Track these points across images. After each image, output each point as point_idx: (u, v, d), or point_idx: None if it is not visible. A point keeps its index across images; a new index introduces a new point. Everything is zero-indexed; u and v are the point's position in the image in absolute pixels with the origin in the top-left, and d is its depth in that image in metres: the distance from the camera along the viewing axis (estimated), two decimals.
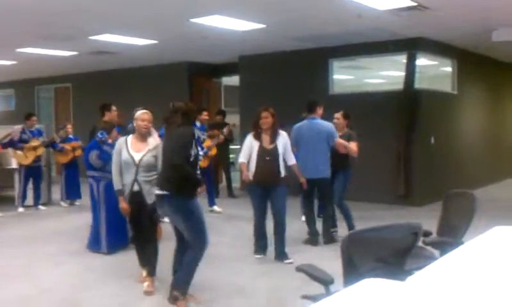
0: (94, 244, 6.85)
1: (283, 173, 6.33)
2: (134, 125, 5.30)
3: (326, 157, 6.99)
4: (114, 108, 7.81)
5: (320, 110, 7.19)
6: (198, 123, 9.40)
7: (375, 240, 2.76)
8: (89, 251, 6.86)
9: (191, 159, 4.79)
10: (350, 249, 2.65)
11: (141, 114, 5.30)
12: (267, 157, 6.24)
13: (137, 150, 5.22)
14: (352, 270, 2.65)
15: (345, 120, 7.51)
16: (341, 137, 7.25)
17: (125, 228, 6.91)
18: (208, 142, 9.32)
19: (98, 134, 6.84)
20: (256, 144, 6.29)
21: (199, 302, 4.96)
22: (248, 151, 6.35)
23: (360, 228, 2.81)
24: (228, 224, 8.72)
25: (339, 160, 7.20)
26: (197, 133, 9.02)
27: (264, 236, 6.52)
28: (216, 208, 9.69)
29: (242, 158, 6.40)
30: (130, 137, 5.33)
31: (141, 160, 5.19)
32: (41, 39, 10.01)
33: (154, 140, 5.45)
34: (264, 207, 6.41)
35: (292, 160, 6.52)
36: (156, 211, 5.15)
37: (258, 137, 6.30)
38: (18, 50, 11.29)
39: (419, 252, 3.61)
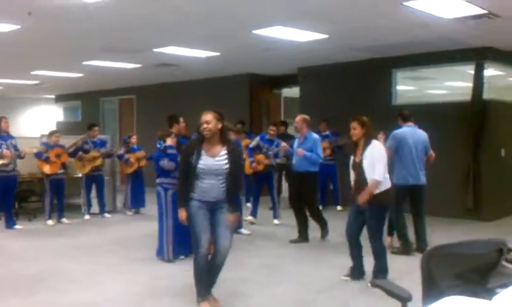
0: (160, 252, 6.98)
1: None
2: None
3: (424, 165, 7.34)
4: (182, 120, 7.95)
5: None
6: (267, 136, 9.49)
7: (457, 255, 2.61)
8: (156, 259, 6.96)
9: (190, 169, 4.94)
10: (430, 265, 2.52)
11: None
12: (355, 171, 5.79)
13: None
14: (432, 287, 2.52)
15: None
16: None
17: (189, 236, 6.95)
18: (259, 157, 9.34)
19: (157, 145, 7.05)
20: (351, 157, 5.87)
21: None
22: None
23: (440, 243, 2.67)
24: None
25: None
26: (259, 143, 9.22)
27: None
28: (275, 221, 9.55)
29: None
30: None
31: None
32: (107, 52, 10.30)
33: None
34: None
35: (374, 175, 5.56)
36: None
37: (354, 149, 5.80)
38: (85, 62, 11.69)
39: (500, 270, 3.42)
